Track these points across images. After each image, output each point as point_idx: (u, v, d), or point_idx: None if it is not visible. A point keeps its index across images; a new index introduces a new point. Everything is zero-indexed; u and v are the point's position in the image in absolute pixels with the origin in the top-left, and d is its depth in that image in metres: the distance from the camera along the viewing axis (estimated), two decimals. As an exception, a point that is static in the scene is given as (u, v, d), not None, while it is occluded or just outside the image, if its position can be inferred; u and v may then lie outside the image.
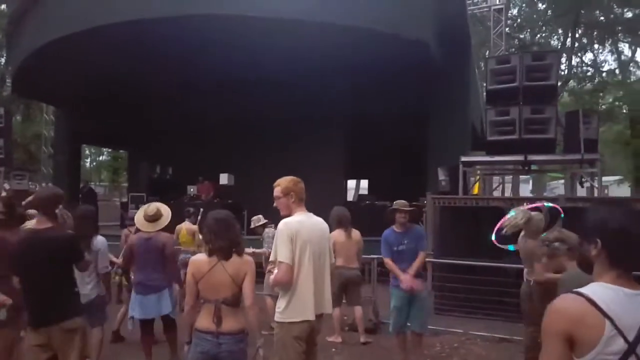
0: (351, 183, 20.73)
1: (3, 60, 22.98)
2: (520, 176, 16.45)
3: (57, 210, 3.33)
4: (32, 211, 4.41)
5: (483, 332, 5.75)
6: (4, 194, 9.53)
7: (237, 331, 2.86)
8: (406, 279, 4.47)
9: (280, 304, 3.11)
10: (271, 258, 3.20)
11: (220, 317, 2.82)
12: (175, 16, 8.60)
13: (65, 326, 3.04)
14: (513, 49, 20.78)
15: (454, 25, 10.30)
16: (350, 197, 18.87)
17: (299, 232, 3.07)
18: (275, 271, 3.06)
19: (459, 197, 7.66)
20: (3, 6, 23.23)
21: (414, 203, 5.13)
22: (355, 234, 5.78)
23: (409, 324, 4.71)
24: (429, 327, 5.20)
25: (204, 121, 12.97)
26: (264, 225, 6.18)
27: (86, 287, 4.21)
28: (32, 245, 3.04)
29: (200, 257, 2.94)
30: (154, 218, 4.59)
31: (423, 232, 4.97)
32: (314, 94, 11.06)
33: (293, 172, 3.37)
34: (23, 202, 7.37)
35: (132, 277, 4.85)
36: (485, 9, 15.83)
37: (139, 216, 4.67)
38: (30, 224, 5.17)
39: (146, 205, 4.80)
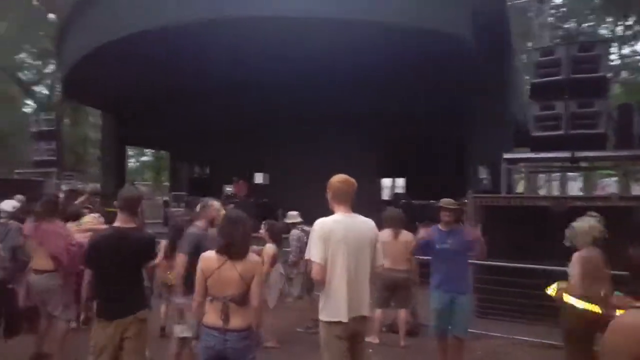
0: (387, 182, 20.44)
1: (53, 67, 24.03)
2: (569, 173, 15.78)
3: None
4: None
5: (527, 336, 5.53)
6: (62, 194, 10.12)
7: (243, 328, 2.89)
8: None
9: (320, 302, 3.15)
10: (305, 256, 3.22)
11: (227, 315, 2.85)
12: (212, 19, 8.72)
13: (140, 316, 3.24)
14: (558, 40, 19.94)
15: (493, 18, 9.93)
16: (385, 196, 18.64)
17: (333, 232, 3.05)
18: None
19: (502, 196, 7.39)
20: (53, 15, 24.33)
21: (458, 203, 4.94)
22: (404, 235, 5.61)
23: (449, 327, 4.57)
24: (470, 330, 5.03)
25: (240, 122, 13.15)
26: (294, 225, 6.17)
27: None
28: (119, 243, 3.18)
29: (211, 254, 2.97)
30: None
31: (469, 234, 4.73)
32: (350, 92, 10.98)
33: (326, 171, 3.33)
34: (76, 201, 7.72)
35: None
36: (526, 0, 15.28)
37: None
38: (88, 218, 5.46)
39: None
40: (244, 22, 8.65)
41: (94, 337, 3.21)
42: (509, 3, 12.86)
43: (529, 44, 17.74)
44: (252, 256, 2.98)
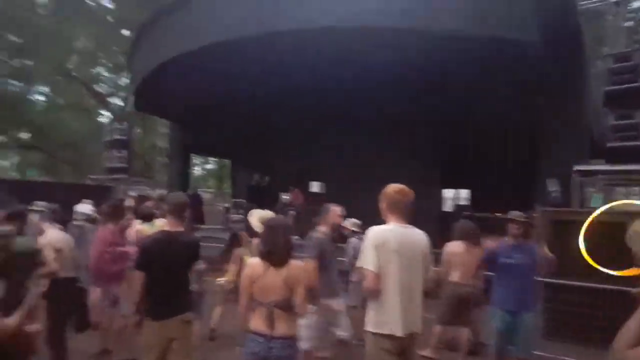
0: (450, 193, 19.87)
1: (127, 80, 25.54)
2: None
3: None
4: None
5: (600, 362, 5.11)
6: (131, 200, 10.72)
7: (289, 336, 2.87)
8: None
9: (369, 313, 3.05)
10: (357, 264, 3.17)
11: (272, 321, 2.84)
12: (273, 32, 8.88)
13: (185, 318, 3.34)
14: (637, 45, 18.64)
15: (563, 22, 9.42)
16: (447, 207, 18.11)
17: (386, 241, 2.97)
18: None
19: (574, 210, 6.95)
20: (127, 31, 25.89)
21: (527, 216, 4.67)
22: (478, 249, 5.31)
23: (512, 347, 4.30)
24: (536, 352, 4.72)
25: (298, 131, 13.28)
26: (354, 233, 6.08)
27: None
28: (169, 246, 3.29)
29: (257, 260, 2.97)
30: None
31: (538, 250, 4.46)
32: (410, 102, 10.80)
33: (384, 180, 3.26)
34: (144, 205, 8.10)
35: None
36: (600, 3, 14.39)
37: (255, 222, 4.85)
38: (160, 222, 5.70)
39: (260, 211, 4.99)
40: (302, 33, 8.74)
41: (144, 336, 3.33)
42: (582, 7, 12.18)
43: (604, 50, 16.69)
44: (295, 262, 2.96)
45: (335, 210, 4.37)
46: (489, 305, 4.47)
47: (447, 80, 10.04)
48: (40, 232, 4.35)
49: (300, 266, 3.00)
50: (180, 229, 3.41)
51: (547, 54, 8.66)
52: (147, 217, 5.69)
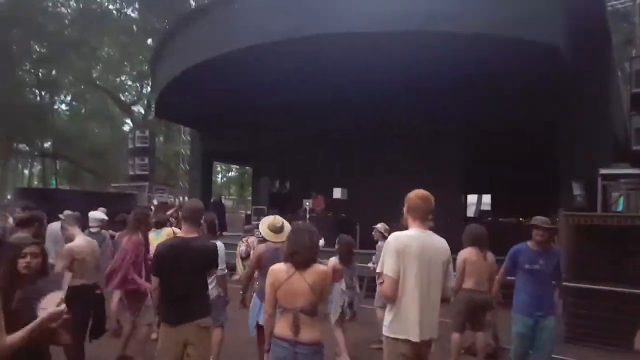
0: (472, 199, 19.61)
1: (149, 88, 26.03)
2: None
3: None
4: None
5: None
6: (153, 206, 10.91)
7: (314, 342, 2.85)
8: None
9: (387, 317, 3.06)
10: (378, 269, 3.16)
11: (298, 326, 2.83)
12: (292, 38, 8.94)
13: (202, 323, 3.33)
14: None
15: (589, 24, 9.23)
16: (470, 213, 17.88)
17: (407, 247, 2.97)
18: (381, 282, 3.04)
19: (597, 215, 6.79)
20: (150, 41, 26.42)
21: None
22: (491, 256, 5.23)
23: (531, 352, 4.22)
24: (559, 357, 4.62)
25: (320, 138, 13.28)
26: (382, 236, 6.04)
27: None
28: (182, 252, 3.33)
29: (280, 266, 2.98)
30: (280, 229, 4.78)
31: (560, 253, 4.40)
32: (431, 106, 10.72)
33: (407, 186, 3.27)
34: (167, 212, 8.23)
35: (257, 283, 5.01)
36: (630, 3, 14.07)
37: (264, 228, 4.87)
38: (166, 231, 5.78)
39: (269, 218, 4.99)
40: (323, 39, 8.75)
41: (160, 341, 3.36)
42: (610, 8, 11.92)
43: (633, 52, 16.31)
44: (319, 266, 2.95)
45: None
46: (511, 310, 4.40)
47: (470, 85, 9.94)
48: (70, 238, 4.43)
49: (325, 270, 2.98)
50: (195, 234, 3.43)
51: (574, 56, 8.50)
52: (159, 225, 5.77)
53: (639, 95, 7.22)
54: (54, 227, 5.40)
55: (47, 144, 28.59)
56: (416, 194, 3.12)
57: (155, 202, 12.99)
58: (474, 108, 10.69)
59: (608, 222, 6.50)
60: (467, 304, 5.05)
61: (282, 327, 2.90)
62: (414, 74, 9.55)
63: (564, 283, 5.62)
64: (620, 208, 10.56)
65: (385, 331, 3.06)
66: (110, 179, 20.33)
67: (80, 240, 4.43)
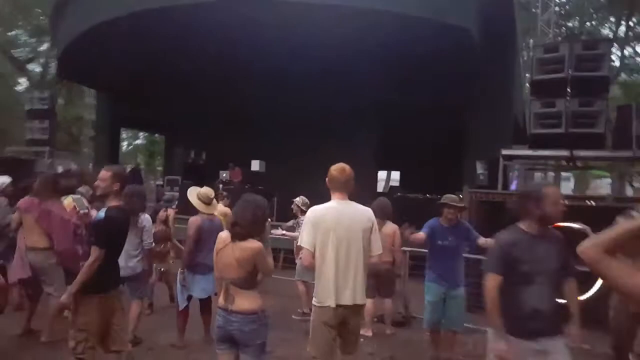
0: (382, 174, 20.39)
1: (47, 45, 23.68)
2: (562, 173, 15.80)
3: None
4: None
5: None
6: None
7: (248, 311, 2.86)
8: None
9: (315, 287, 3.23)
10: (298, 243, 3.34)
11: (231, 295, 2.87)
12: (211, 2, 8.56)
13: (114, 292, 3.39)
14: (559, 38, 19.84)
15: (498, 11, 9.82)
16: (380, 188, 18.61)
17: (323, 218, 3.11)
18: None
19: (498, 192, 7.37)
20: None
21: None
22: (389, 227, 5.55)
23: (443, 321, 4.56)
24: (469, 325, 5.04)
25: (237, 109, 13.04)
26: (302, 211, 6.10)
27: (133, 260, 4.42)
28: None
29: (223, 234, 3.00)
30: (210, 200, 4.71)
31: (469, 226, 4.74)
32: (348, 83, 10.88)
33: (323, 160, 3.37)
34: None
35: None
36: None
37: (193, 198, 4.71)
38: (68, 200, 5.37)
39: (196, 189, 4.82)
40: (245, 3, 8.49)
41: (86, 311, 3.25)
42: (514, -2, 12.69)
43: (531, 41, 17.60)
44: (252, 242, 2.89)
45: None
46: (420, 281, 4.70)
47: (385, 66, 10.14)
48: None
49: (257, 246, 2.88)
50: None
51: (482, 41, 9.00)
52: (66, 192, 5.37)
53: (539, 82, 7.79)
54: None
55: None
56: (334, 168, 3.27)
57: (60, 169, 12.06)
58: (386, 87, 11.02)
59: (507, 199, 7.09)
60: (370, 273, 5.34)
61: (221, 296, 2.94)
62: (328, 49, 9.50)
63: (466, 255, 6.10)
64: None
65: (313, 301, 3.23)
66: (5, 143, 18.40)
67: None
